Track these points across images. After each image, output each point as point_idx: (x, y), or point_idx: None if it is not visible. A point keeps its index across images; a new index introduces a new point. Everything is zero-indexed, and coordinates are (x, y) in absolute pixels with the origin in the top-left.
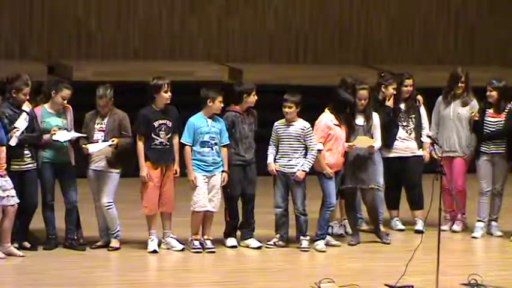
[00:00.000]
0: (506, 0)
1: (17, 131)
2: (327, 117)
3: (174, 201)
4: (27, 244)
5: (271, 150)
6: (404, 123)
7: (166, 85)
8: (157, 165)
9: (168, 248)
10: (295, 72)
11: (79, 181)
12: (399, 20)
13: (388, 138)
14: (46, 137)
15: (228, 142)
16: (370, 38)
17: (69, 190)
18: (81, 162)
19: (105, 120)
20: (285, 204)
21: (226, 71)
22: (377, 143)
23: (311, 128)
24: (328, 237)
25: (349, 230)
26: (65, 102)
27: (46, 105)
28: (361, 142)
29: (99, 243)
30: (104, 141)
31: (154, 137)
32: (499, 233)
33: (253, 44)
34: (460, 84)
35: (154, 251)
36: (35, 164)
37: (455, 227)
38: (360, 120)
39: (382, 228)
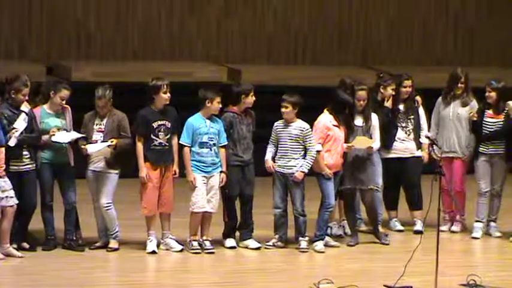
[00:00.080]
0: (505, 1)
1: (16, 131)
2: (325, 118)
3: (173, 202)
4: (26, 245)
5: (270, 149)
6: (403, 124)
7: (165, 86)
8: (157, 166)
9: (167, 249)
10: (294, 73)
11: (78, 182)
12: (398, 21)
13: (387, 139)
14: (45, 137)
15: (226, 143)
16: (369, 39)
17: (68, 191)
18: (80, 163)
19: (104, 121)
20: (283, 204)
21: (225, 72)
22: (376, 143)
23: (310, 129)
24: (327, 238)
25: (348, 230)
26: (64, 102)
27: (45, 106)
28: (360, 143)
29: (98, 244)
30: (103, 141)
31: (154, 137)
32: (498, 234)
33: (252, 44)
34: (459, 85)
35: (153, 252)
36: (34, 165)
37: (454, 228)
38: (358, 121)
39: (380, 229)
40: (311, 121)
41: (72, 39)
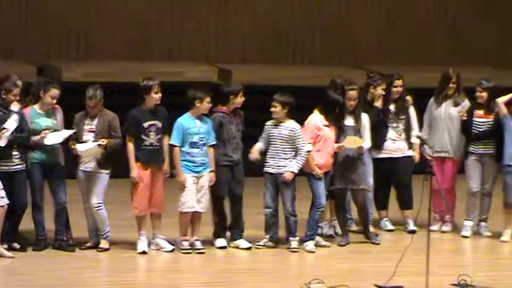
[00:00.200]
0: (497, 2)
1: (6, 131)
2: (316, 118)
3: (165, 202)
4: (16, 245)
5: (259, 144)
6: (395, 124)
7: (156, 86)
8: (148, 166)
9: (157, 249)
10: (284, 73)
11: (68, 182)
12: (389, 21)
13: (378, 139)
14: (35, 138)
15: (215, 142)
16: (360, 38)
17: (59, 191)
18: (71, 163)
19: (95, 121)
20: (274, 204)
21: (215, 72)
22: (366, 143)
23: (301, 130)
24: (318, 238)
25: (338, 230)
26: (54, 102)
27: (35, 106)
28: (351, 143)
29: (88, 244)
30: (93, 141)
31: (144, 137)
32: (488, 234)
33: (242, 44)
34: (451, 85)
35: (144, 252)
36: (24, 165)
37: (445, 228)
38: (349, 121)
39: (371, 228)
40: (301, 121)
41: (62, 39)
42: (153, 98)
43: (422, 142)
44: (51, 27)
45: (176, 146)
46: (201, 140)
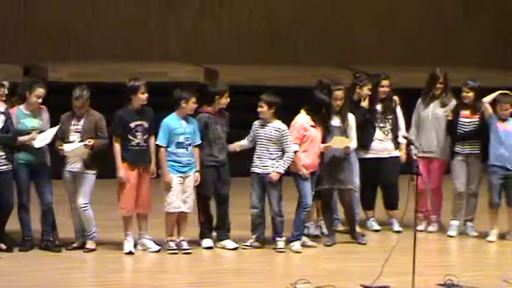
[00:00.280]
0: (482, 2)
1: None
2: (302, 119)
3: (151, 202)
4: (2, 246)
5: (243, 140)
6: (381, 124)
7: (143, 86)
8: (134, 167)
9: (144, 249)
10: (271, 73)
11: (54, 182)
12: (376, 21)
13: (364, 139)
14: (22, 139)
15: (200, 142)
16: (347, 38)
17: (45, 191)
18: (57, 164)
19: (81, 122)
20: (261, 205)
21: (201, 72)
22: (353, 143)
23: (287, 130)
24: (304, 238)
25: (325, 230)
26: (40, 101)
27: (21, 106)
28: (337, 143)
29: (74, 245)
30: (80, 142)
31: (131, 138)
32: (475, 233)
33: (229, 44)
34: (438, 85)
35: (130, 252)
36: (10, 165)
37: (431, 228)
38: (335, 121)
39: (358, 229)
40: (288, 121)
41: (48, 39)
42: (139, 99)
43: (409, 142)
44: (37, 26)
45: (162, 146)
46: (187, 140)
